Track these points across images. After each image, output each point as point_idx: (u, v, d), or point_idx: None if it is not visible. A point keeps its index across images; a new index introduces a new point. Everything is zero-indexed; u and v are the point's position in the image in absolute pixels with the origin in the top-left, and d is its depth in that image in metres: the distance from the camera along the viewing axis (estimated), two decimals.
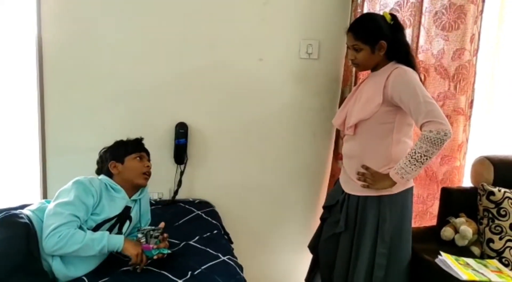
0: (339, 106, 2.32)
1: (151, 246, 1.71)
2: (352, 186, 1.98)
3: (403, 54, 1.90)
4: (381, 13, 1.98)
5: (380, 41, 1.86)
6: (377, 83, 1.87)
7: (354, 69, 2.29)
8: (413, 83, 1.80)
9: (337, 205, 2.06)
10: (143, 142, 1.96)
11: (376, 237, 1.92)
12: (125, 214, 1.84)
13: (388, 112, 1.86)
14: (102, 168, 1.90)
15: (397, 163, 1.85)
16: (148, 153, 1.95)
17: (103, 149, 1.93)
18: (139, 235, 1.75)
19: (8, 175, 2.29)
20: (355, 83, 2.30)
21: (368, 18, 1.96)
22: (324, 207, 2.19)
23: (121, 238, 1.70)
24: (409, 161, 1.77)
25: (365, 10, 2.29)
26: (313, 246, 2.22)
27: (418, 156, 1.76)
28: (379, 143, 1.90)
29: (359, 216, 1.95)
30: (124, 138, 1.94)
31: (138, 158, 1.88)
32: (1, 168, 2.28)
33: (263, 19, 2.35)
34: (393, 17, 1.92)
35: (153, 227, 1.78)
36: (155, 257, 1.71)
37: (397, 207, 1.93)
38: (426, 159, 1.76)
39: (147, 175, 1.89)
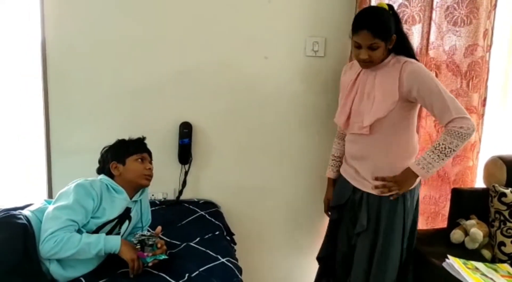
0: None
1: (145, 254, 1.70)
2: (371, 186, 1.93)
3: (406, 45, 1.85)
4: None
5: (392, 35, 1.80)
6: (389, 80, 1.82)
7: None
8: (432, 79, 1.79)
9: (348, 203, 2.01)
10: (146, 141, 1.93)
11: (403, 233, 1.92)
12: (125, 215, 1.84)
13: (404, 108, 1.83)
14: (104, 167, 1.88)
15: (414, 155, 1.89)
16: (150, 153, 1.92)
17: (105, 147, 1.91)
18: (134, 242, 1.73)
19: (16, 175, 2.32)
20: None
21: (378, 11, 1.84)
22: (332, 207, 2.13)
23: (118, 240, 1.68)
24: (438, 155, 1.76)
25: (372, 5, 2.22)
26: (323, 256, 2.17)
27: (447, 151, 1.76)
28: (397, 139, 1.88)
29: (384, 215, 1.91)
30: (132, 138, 1.92)
31: (139, 160, 1.85)
32: (8, 168, 2.31)
33: (268, 17, 2.31)
34: (390, 7, 1.86)
35: (148, 234, 1.75)
36: (149, 264, 1.70)
37: (415, 200, 1.95)
38: (452, 153, 1.76)
39: (148, 176, 1.86)
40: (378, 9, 1.86)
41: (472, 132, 1.74)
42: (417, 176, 1.83)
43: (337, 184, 2.14)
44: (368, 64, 1.86)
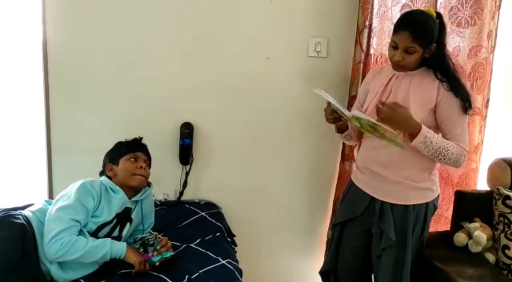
0: (348, 106, 2.26)
1: (150, 254, 1.70)
2: (395, 195, 1.86)
3: (446, 59, 1.78)
4: (426, 9, 1.84)
5: (432, 44, 1.74)
6: (427, 85, 1.79)
7: (361, 68, 2.21)
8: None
9: (362, 215, 1.95)
10: (147, 142, 1.92)
11: (421, 241, 1.92)
12: (125, 215, 1.82)
13: (432, 117, 1.80)
14: (104, 170, 1.89)
15: (435, 167, 1.87)
16: (146, 153, 1.91)
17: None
18: (136, 246, 1.73)
19: (16, 175, 2.31)
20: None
21: (424, 16, 1.75)
22: (341, 222, 2.03)
23: (123, 245, 1.69)
24: (439, 147, 1.72)
25: (376, 5, 2.20)
26: (328, 270, 2.09)
27: (444, 154, 1.73)
28: None
29: (408, 226, 1.85)
30: (129, 139, 1.91)
31: (132, 159, 1.83)
32: (9, 168, 2.30)
33: (270, 16, 2.29)
34: (438, 15, 1.77)
35: (147, 235, 1.75)
36: (157, 264, 1.70)
37: (431, 213, 1.92)
38: (442, 159, 1.75)
39: (140, 175, 1.82)
40: (424, 14, 1.77)
41: (461, 165, 1.79)
42: (414, 135, 1.71)
43: (348, 195, 2.03)
44: (400, 67, 1.81)
